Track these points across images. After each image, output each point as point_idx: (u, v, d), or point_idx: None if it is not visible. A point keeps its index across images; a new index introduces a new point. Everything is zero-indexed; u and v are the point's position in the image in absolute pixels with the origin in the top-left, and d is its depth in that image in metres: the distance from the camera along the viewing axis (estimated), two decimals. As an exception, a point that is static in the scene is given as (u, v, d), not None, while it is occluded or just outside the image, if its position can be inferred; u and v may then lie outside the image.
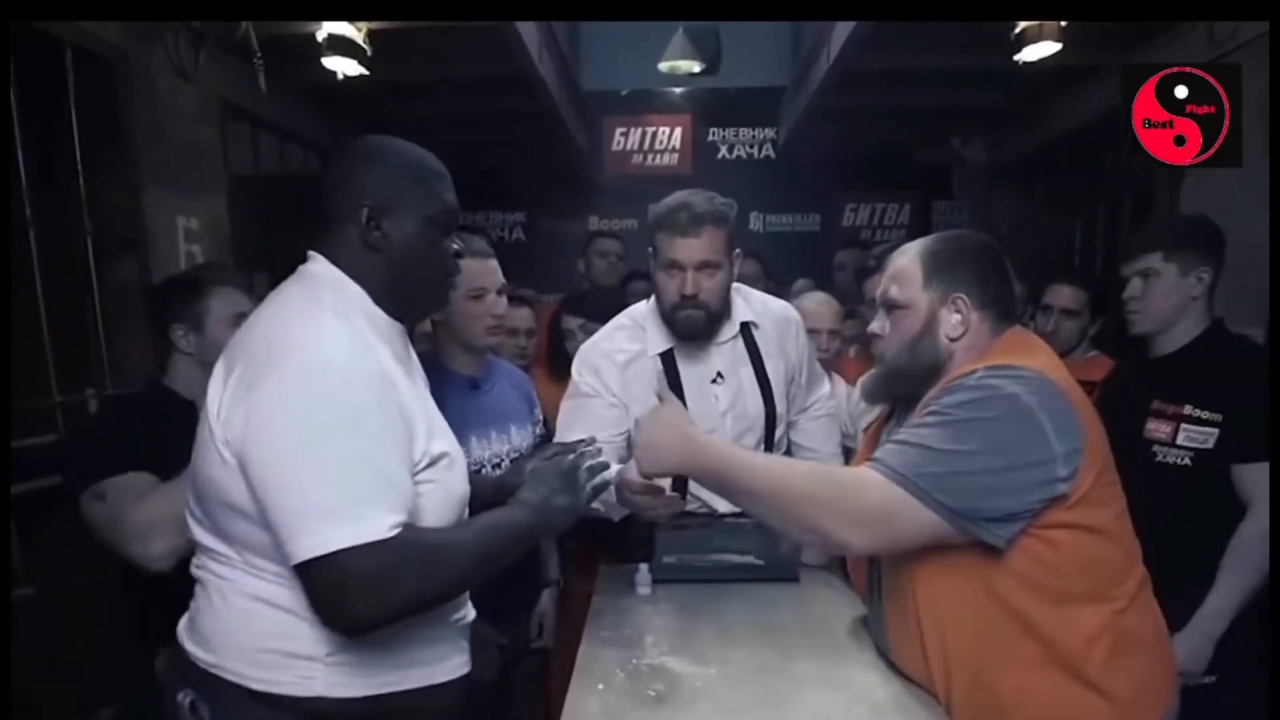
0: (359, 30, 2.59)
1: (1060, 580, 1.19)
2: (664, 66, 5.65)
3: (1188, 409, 1.82)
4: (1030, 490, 1.15)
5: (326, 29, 2.52)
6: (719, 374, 1.94)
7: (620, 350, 1.93)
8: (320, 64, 2.63)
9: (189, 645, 1.16)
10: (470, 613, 1.32)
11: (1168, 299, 1.87)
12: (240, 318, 1.66)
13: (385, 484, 1.06)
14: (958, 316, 1.32)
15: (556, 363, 2.55)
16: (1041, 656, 1.19)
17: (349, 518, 1.02)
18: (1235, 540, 1.76)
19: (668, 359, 1.92)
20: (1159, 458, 1.85)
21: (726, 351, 1.94)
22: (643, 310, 1.99)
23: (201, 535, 1.16)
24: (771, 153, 7.07)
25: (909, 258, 1.38)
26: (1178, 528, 1.76)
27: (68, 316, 2.17)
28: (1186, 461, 1.81)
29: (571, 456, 1.35)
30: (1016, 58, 2.84)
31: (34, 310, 2.03)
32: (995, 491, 1.15)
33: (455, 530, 1.19)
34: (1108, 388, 2.12)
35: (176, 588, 1.45)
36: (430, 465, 1.16)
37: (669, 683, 1.39)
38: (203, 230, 2.68)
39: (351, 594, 1.02)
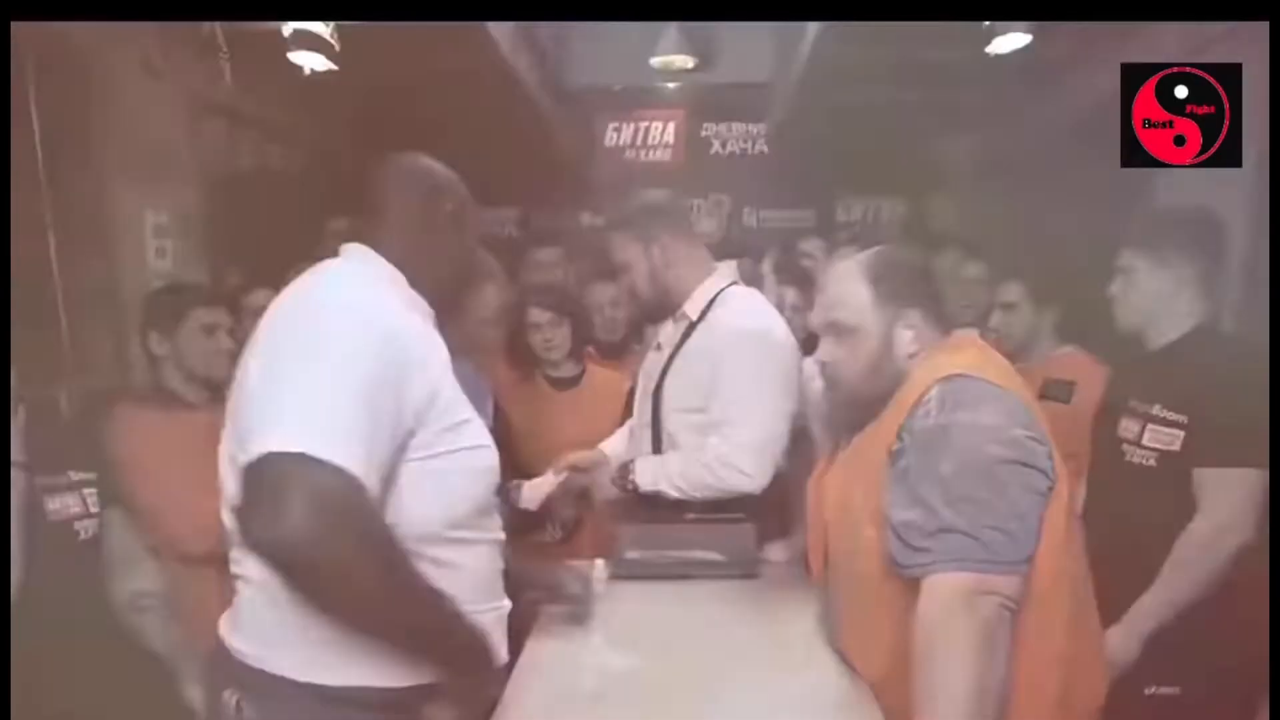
0: (326, 25, 2.57)
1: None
2: (656, 63, 5.62)
3: (1156, 409, 1.77)
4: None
5: (292, 24, 2.51)
6: (659, 344, 2.03)
7: None
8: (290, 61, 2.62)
9: (234, 641, 1.14)
10: (506, 602, 1.31)
11: (1142, 296, 1.84)
12: None
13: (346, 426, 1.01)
14: (910, 333, 1.30)
15: (516, 355, 2.59)
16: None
17: (321, 430, 0.98)
18: (1180, 541, 1.71)
19: None
20: (1127, 457, 1.82)
21: (668, 329, 2.02)
22: None
23: None
24: (765, 148, 7.04)
25: (849, 276, 1.35)
26: (1140, 531, 1.74)
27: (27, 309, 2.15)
28: (1151, 463, 1.77)
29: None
30: (988, 50, 2.81)
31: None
32: None
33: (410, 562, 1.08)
34: None
35: None
36: (453, 429, 1.16)
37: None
38: (173, 225, 2.68)
39: (290, 502, 0.93)
